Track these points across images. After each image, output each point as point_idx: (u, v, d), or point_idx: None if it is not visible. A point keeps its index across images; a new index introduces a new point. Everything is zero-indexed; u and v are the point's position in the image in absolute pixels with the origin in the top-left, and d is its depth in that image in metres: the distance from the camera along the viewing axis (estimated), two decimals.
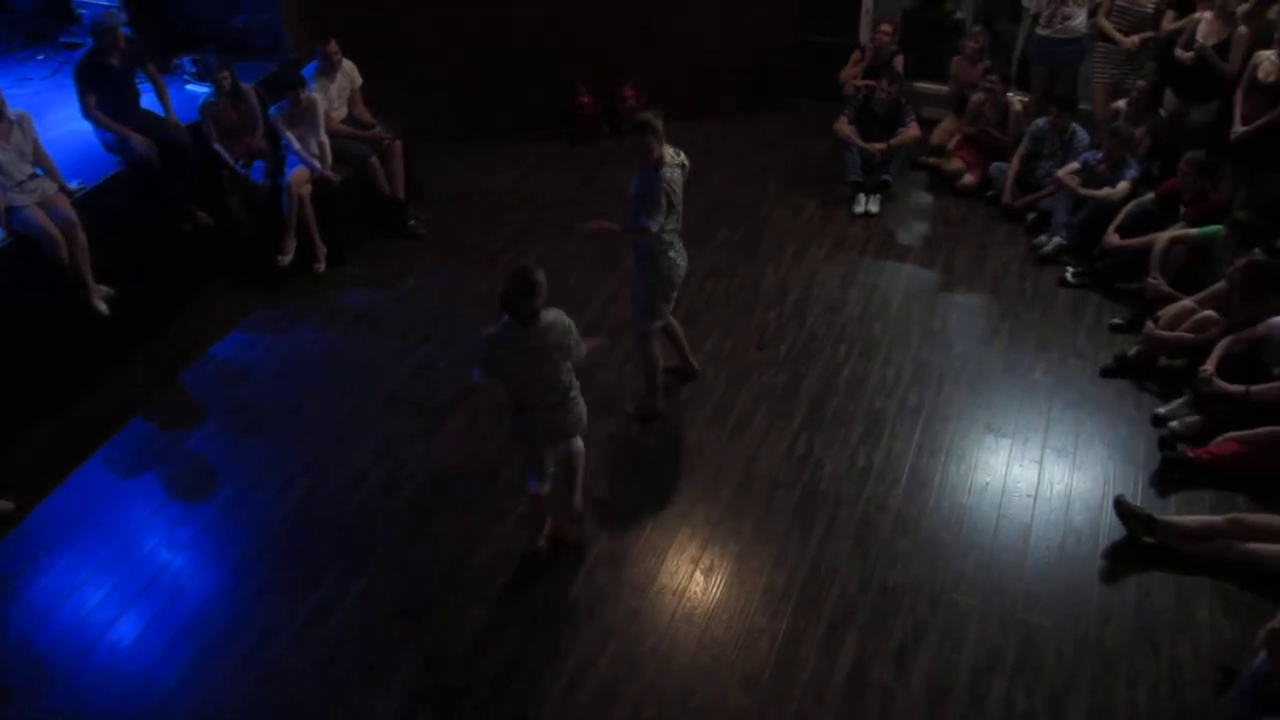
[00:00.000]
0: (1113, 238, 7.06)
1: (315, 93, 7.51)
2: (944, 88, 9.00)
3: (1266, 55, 6.86)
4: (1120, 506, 5.20)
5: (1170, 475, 5.58)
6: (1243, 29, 7.12)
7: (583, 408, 4.94)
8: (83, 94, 6.85)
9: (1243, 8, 7.15)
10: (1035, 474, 5.66)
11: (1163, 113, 7.72)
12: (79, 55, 6.99)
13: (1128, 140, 7.31)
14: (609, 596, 5.02)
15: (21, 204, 6.14)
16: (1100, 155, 7.38)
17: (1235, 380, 5.65)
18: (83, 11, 8.06)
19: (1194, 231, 6.64)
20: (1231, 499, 5.42)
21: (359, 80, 7.97)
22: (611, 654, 4.73)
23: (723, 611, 4.93)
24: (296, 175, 7.32)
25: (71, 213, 6.32)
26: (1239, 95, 7.04)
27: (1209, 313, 6.09)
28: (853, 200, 8.22)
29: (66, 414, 6.28)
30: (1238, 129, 6.99)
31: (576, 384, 4.86)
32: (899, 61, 8.62)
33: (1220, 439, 5.54)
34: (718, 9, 9.17)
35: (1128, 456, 5.75)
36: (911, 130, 8.29)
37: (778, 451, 5.86)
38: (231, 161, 7.33)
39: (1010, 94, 8.41)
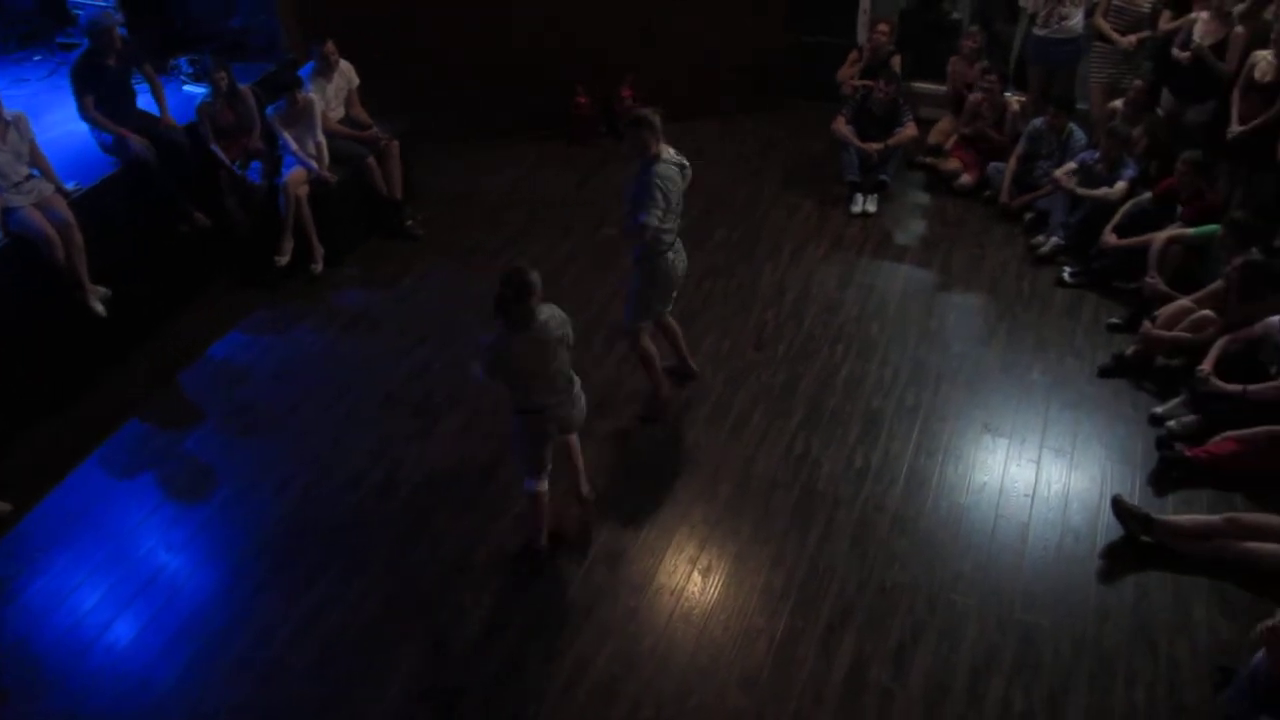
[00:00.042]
0: (1110, 237, 7.06)
1: (312, 93, 7.51)
2: (941, 88, 9.00)
3: (1263, 55, 6.86)
4: (1118, 506, 5.20)
5: (1168, 475, 5.58)
6: (1239, 29, 7.12)
7: (584, 400, 5.00)
8: (80, 95, 6.85)
9: (1239, 8, 7.16)
10: (1033, 474, 5.66)
11: (1160, 112, 7.73)
12: (75, 56, 6.99)
13: (1125, 140, 7.32)
14: (607, 596, 5.01)
15: (18, 205, 6.13)
16: (1097, 155, 7.38)
17: (1232, 379, 5.65)
18: (79, 12, 8.06)
19: (1191, 231, 6.64)
20: (1229, 498, 5.42)
21: (356, 81, 7.96)
22: (609, 654, 4.72)
23: (721, 611, 4.93)
24: (294, 176, 7.32)
25: (68, 213, 6.31)
26: (1236, 95, 7.05)
27: (1206, 312, 6.09)
28: (850, 200, 8.23)
29: (64, 415, 6.28)
30: (1234, 129, 7.00)
31: (576, 377, 4.90)
32: (896, 62, 8.62)
33: (1217, 438, 5.54)
34: (716, 9, 9.17)
35: (1125, 456, 5.76)
36: (909, 130, 8.30)
37: (775, 451, 5.86)
38: (228, 162, 7.33)
39: (1008, 94, 8.41)
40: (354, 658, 4.76)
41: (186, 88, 8.06)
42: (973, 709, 4.45)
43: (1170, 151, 7.36)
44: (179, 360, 6.78)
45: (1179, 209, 6.86)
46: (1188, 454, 5.56)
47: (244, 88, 7.48)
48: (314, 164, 7.41)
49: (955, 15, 9.49)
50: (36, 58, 8.37)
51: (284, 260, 7.42)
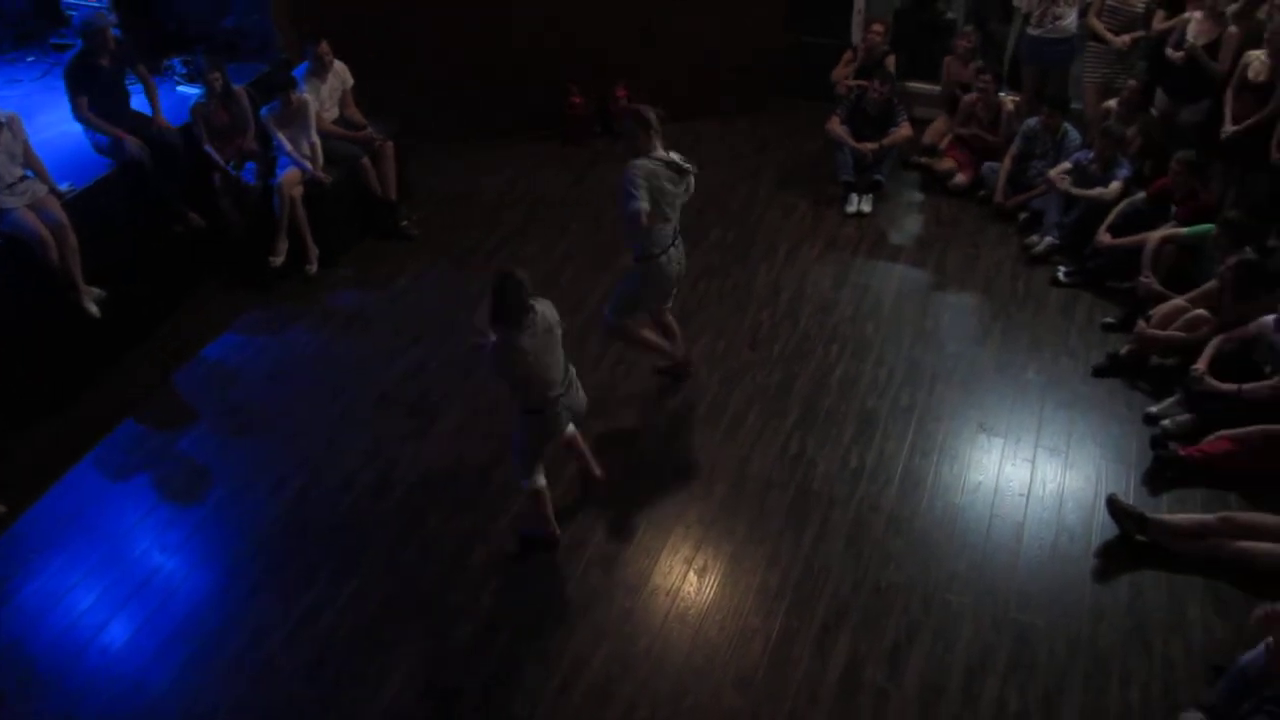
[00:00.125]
0: (1104, 237, 7.07)
1: (306, 94, 7.49)
2: (936, 88, 9.01)
3: (1256, 55, 6.88)
4: (1112, 505, 5.21)
5: (1162, 474, 5.59)
6: (1233, 29, 7.14)
7: (579, 385, 5.08)
8: (74, 95, 6.83)
9: (1232, 7, 7.17)
10: (1028, 473, 5.67)
11: (1154, 112, 7.74)
12: (69, 57, 6.97)
13: (1119, 140, 7.33)
14: (602, 597, 5.02)
15: (11, 206, 6.12)
16: (1092, 155, 7.39)
17: (1227, 379, 5.66)
18: (72, 13, 8.04)
19: (1185, 231, 6.65)
20: (1223, 497, 5.43)
21: (350, 81, 7.95)
22: (605, 655, 4.72)
23: (716, 612, 4.93)
24: (288, 176, 7.31)
25: (62, 215, 6.30)
26: (1229, 95, 7.06)
27: (1200, 311, 6.10)
28: (845, 200, 8.23)
29: (59, 416, 6.27)
30: (1228, 128, 7.01)
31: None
32: (891, 62, 8.63)
33: (1212, 437, 5.55)
34: (715, 9, 9.17)
35: (1120, 455, 5.77)
36: (903, 130, 8.30)
37: (771, 451, 5.86)
38: (223, 163, 7.31)
39: (1002, 94, 8.42)
40: (350, 658, 4.75)
41: (180, 88, 8.04)
42: (968, 709, 4.45)
43: (1164, 151, 7.37)
44: (173, 361, 6.77)
45: (1173, 209, 6.87)
46: (1182, 453, 5.57)
47: (238, 88, 7.46)
48: (308, 165, 7.40)
49: (950, 15, 9.49)
50: (30, 58, 8.34)
51: (278, 261, 7.41)
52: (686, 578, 5.11)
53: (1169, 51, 7.41)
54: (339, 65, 7.83)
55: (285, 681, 4.66)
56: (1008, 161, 8.00)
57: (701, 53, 9.33)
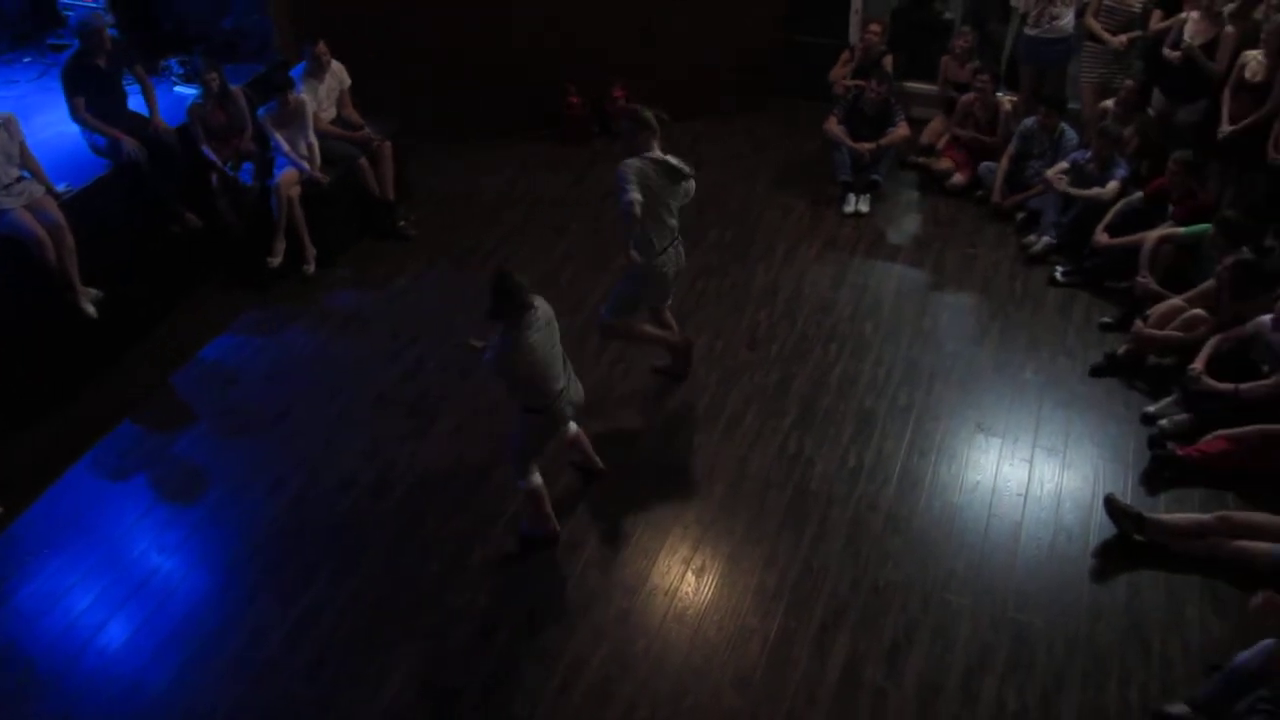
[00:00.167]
0: (1102, 237, 7.08)
1: (304, 94, 7.49)
2: (933, 87, 9.01)
3: (1253, 55, 6.88)
4: (1110, 505, 5.21)
5: (1160, 473, 5.60)
6: (1229, 29, 7.14)
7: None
8: (71, 96, 6.82)
9: (1229, 7, 7.17)
10: (1025, 473, 5.67)
11: (1151, 112, 7.74)
12: (65, 57, 6.96)
13: (1116, 139, 7.34)
14: (600, 598, 5.01)
15: (8, 207, 6.11)
16: (1089, 155, 7.40)
17: (1224, 378, 5.67)
18: (69, 14, 8.03)
19: (1182, 230, 6.66)
20: (1221, 497, 5.43)
21: (348, 81, 7.95)
22: (604, 655, 4.72)
23: (714, 612, 4.93)
24: (285, 177, 7.30)
25: (59, 215, 6.29)
26: (1226, 95, 7.06)
27: (1198, 311, 6.11)
28: (843, 200, 8.23)
29: (55, 417, 6.26)
30: (1225, 128, 7.02)
31: None
32: (888, 62, 8.63)
33: (1209, 437, 5.55)
34: (714, 9, 9.18)
35: (1117, 455, 5.77)
36: (901, 130, 8.31)
37: (769, 451, 5.86)
38: (220, 164, 7.30)
39: (999, 94, 8.43)
40: (349, 659, 4.75)
41: (177, 89, 8.04)
42: (966, 708, 4.46)
43: (1161, 151, 7.37)
44: (170, 362, 6.76)
45: (1170, 208, 6.87)
46: (1180, 453, 5.57)
47: (235, 89, 7.46)
48: (306, 165, 7.39)
49: (947, 15, 9.50)
50: (26, 59, 8.33)
51: (276, 261, 7.40)
52: (685, 578, 5.11)
53: (1166, 51, 7.42)
54: (336, 65, 7.83)
55: (284, 682, 4.66)
56: (1005, 161, 8.00)
57: (701, 52, 9.34)
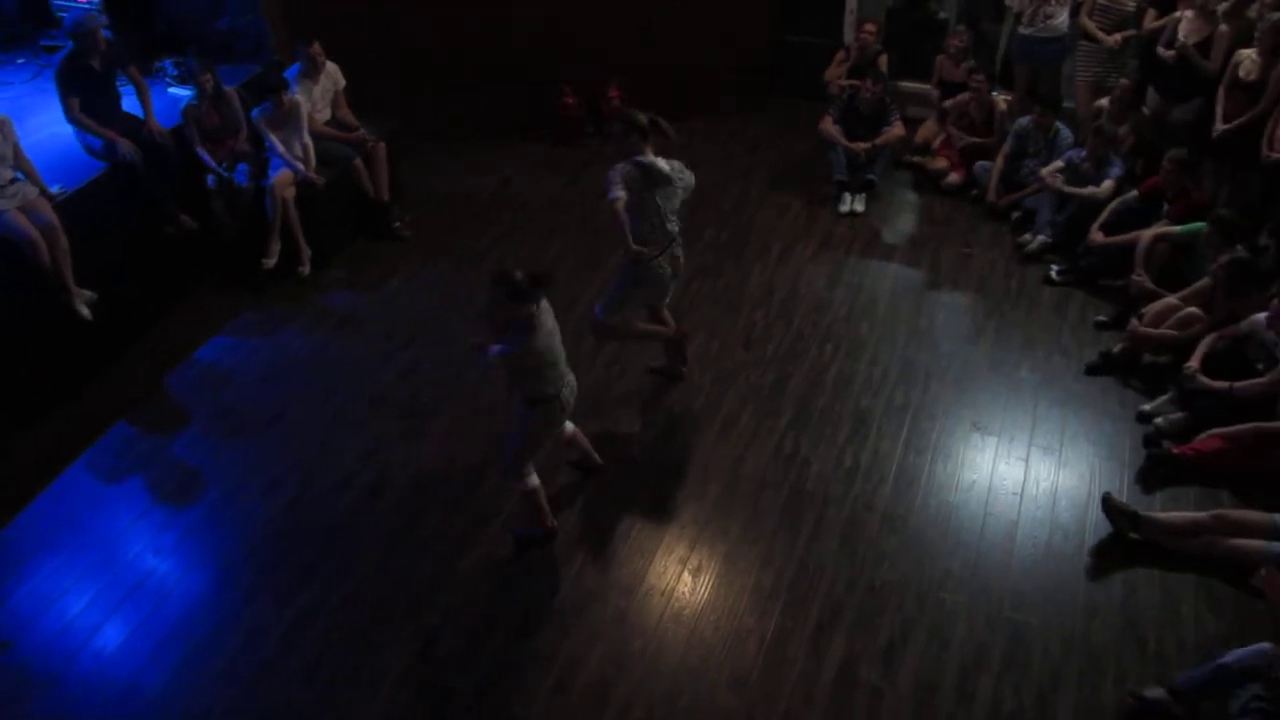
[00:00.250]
0: (1097, 235, 7.09)
1: (298, 95, 7.48)
2: (929, 87, 9.01)
3: (1247, 54, 6.90)
4: (1106, 503, 5.22)
5: (1155, 472, 5.61)
6: (1224, 27, 7.15)
7: None
8: (65, 97, 6.81)
9: (1223, 6, 7.18)
10: (1021, 471, 5.68)
11: (1145, 111, 7.76)
12: (59, 58, 6.94)
13: (1111, 138, 7.35)
14: (597, 598, 5.01)
15: (2, 209, 6.09)
16: (1084, 153, 7.41)
17: (1219, 376, 5.68)
18: (63, 15, 8.01)
19: (1177, 229, 6.67)
20: (1216, 495, 5.44)
21: (342, 82, 7.94)
22: (600, 655, 4.72)
23: (711, 612, 4.93)
24: (280, 178, 7.29)
25: (53, 217, 6.27)
26: (1220, 93, 7.08)
27: (1193, 309, 6.12)
28: (838, 200, 8.24)
29: (51, 418, 6.24)
30: (1219, 127, 7.03)
31: None
32: (883, 61, 8.64)
33: (1204, 435, 5.56)
34: (713, 9, 9.18)
35: (1113, 453, 5.78)
36: (896, 129, 8.31)
37: (765, 451, 5.86)
38: (215, 165, 7.29)
39: (994, 93, 8.44)
40: (345, 659, 4.74)
41: (171, 90, 8.01)
42: (962, 707, 4.46)
43: (1156, 150, 7.39)
44: (165, 363, 6.74)
45: (1165, 207, 6.89)
46: (1175, 451, 5.58)
47: (229, 90, 7.45)
48: (301, 166, 7.39)
49: (942, 14, 9.51)
50: (20, 60, 8.30)
51: (271, 262, 7.39)
52: (681, 578, 5.11)
53: (1160, 50, 7.43)
54: (331, 66, 7.83)
55: (281, 683, 4.65)
56: (1000, 160, 8.01)
57: (702, 53, 9.34)
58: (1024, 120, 7.92)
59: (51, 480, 5.81)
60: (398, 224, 8.06)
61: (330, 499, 5.64)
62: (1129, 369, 6.31)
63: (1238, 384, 5.60)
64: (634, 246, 5.49)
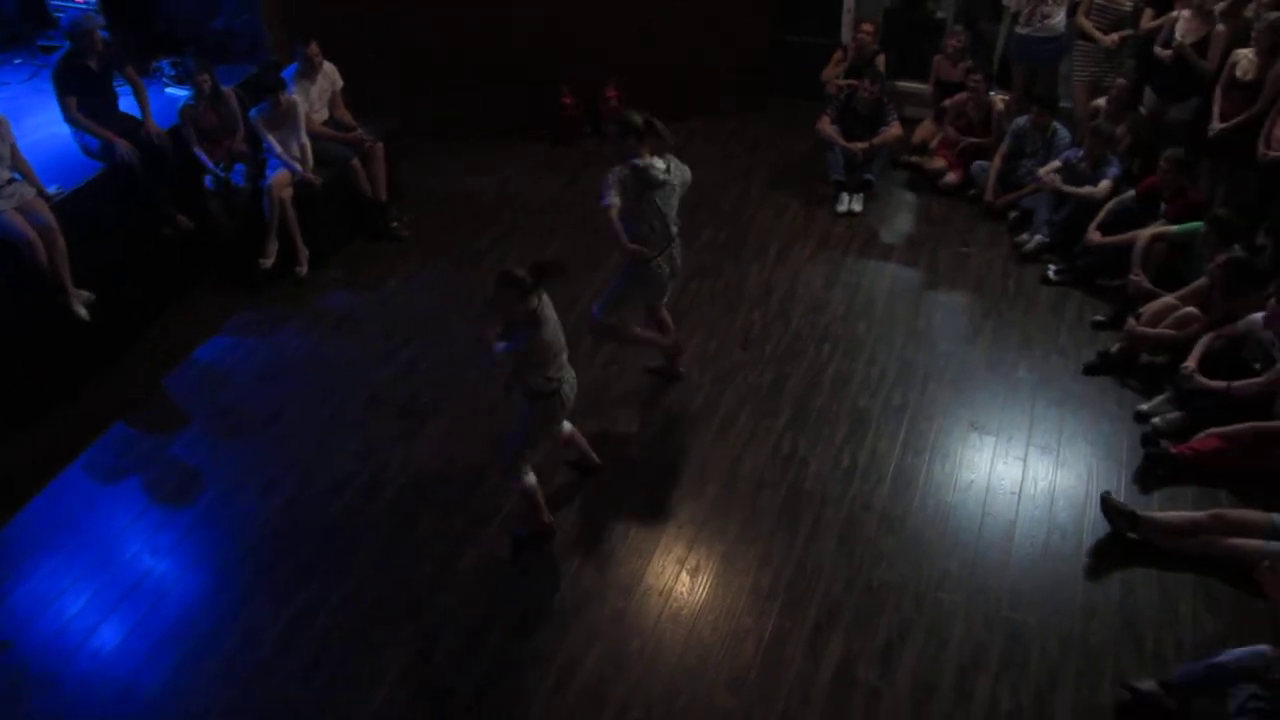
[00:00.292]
0: (1094, 235, 7.09)
1: (296, 95, 7.48)
2: (926, 87, 9.02)
3: (1244, 53, 6.90)
4: (1105, 503, 5.22)
5: (1153, 471, 5.60)
6: (1220, 27, 7.16)
7: None
8: (62, 97, 6.81)
9: (1220, 6, 7.20)
10: (1019, 471, 5.68)
11: (1142, 110, 7.76)
12: (56, 58, 6.94)
13: (1108, 138, 7.35)
14: (594, 598, 5.01)
15: None
16: (1081, 153, 7.41)
17: (1216, 376, 5.68)
18: (60, 15, 8.01)
19: (1174, 228, 6.67)
20: (1214, 494, 5.44)
21: (340, 83, 7.94)
22: (598, 655, 4.72)
23: (709, 612, 4.93)
24: (278, 178, 7.29)
25: (50, 217, 6.27)
26: (1217, 93, 7.08)
27: (1190, 309, 6.12)
28: (835, 200, 8.24)
29: (48, 419, 6.24)
30: (1216, 126, 7.03)
31: None
32: (881, 61, 8.65)
33: (1202, 435, 5.56)
34: (713, 9, 9.18)
35: (1111, 453, 5.78)
36: (894, 129, 8.32)
37: (763, 451, 5.86)
38: (212, 165, 7.29)
39: (992, 93, 8.44)
40: (343, 660, 4.74)
41: (169, 90, 8.01)
42: (960, 707, 4.46)
43: (1153, 149, 7.40)
44: (163, 364, 6.74)
45: (1162, 206, 6.89)
46: (1173, 450, 5.58)
47: (227, 90, 7.44)
48: (298, 166, 7.39)
49: (939, 14, 9.52)
50: (17, 60, 8.30)
51: (268, 263, 7.39)
52: (679, 578, 5.11)
53: (1157, 50, 7.44)
54: (328, 66, 7.82)
55: (279, 683, 4.64)
56: (998, 160, 8.02)
57: (702, 53, 9.35)
58: (1021, 120, 7.92)
59: (49, 480, 5.81)
60: (395, 224, 8.07)
61: (327, 499, 5.63)
62: (1127, 369, 6.31)
63: (1235, 383, 5.60)
64: (630, 246, 5.49)
